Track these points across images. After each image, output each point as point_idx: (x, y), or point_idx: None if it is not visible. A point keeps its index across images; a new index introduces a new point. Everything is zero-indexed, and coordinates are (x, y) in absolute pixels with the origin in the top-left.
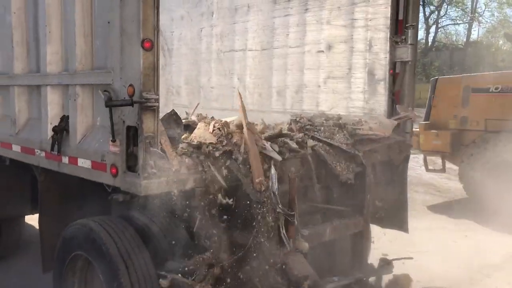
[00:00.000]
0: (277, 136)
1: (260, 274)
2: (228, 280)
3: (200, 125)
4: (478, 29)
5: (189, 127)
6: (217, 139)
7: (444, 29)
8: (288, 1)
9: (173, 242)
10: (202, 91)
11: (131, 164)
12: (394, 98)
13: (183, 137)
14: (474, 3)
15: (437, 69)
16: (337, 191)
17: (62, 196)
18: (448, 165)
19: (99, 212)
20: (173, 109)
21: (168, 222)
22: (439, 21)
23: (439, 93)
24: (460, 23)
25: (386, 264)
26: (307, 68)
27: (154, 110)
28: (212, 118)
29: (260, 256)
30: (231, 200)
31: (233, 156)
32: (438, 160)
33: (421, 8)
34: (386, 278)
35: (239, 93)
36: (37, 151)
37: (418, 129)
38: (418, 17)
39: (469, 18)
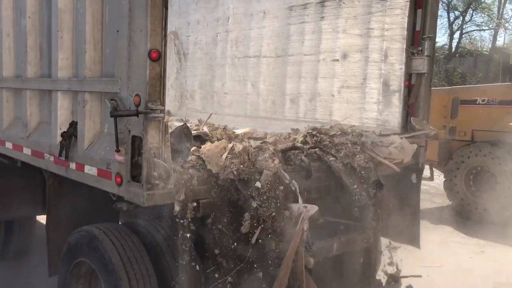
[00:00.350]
0: (290, 149)
1: None
2: None
3: (209, 144)
4: (504, 35)
5: (200, 138)
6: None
7: (469, 35)
8: (304, 9)
9: (177, 253)
10: (216, 97)
11: (136, 174)
12: (409, 110)
13: (192, 149)
14: (501, 9)
15: (460, 76)
16: (346, 205)
17: (70, 200)
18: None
19: (107, 218)
20: (184, 123)
21: (173, 232)
22: (464, 27)
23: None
24: (485, 29)
25: (394, 281)
26: (321, 77)
27: (159, 120)
28: (224, 128)
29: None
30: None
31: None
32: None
33: (445, 13)
34: None
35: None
36: (46, 155)
37: None
38: (435, 28)
39: (495, 24)
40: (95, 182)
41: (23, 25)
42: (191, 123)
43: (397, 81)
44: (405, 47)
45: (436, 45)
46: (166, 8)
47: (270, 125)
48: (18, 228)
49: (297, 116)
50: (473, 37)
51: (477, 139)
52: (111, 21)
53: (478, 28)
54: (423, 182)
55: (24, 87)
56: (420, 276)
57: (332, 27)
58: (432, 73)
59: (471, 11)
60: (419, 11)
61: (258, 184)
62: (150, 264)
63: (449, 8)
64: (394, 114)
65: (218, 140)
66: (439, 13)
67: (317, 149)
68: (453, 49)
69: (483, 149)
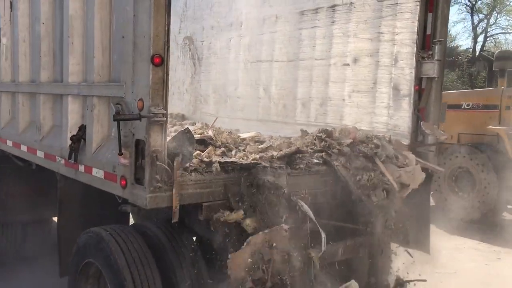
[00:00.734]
0: (295, 153)
1: None
2: None
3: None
4: None
5: (204, 142)
6: None
7: (494, 38)
8: (315, 13)
9: (182, 254)
10: (229, 101)
11: (139, 176)
12: (419, 115)
13: (196, 153)
14: None
15: (483, 80)
16: (352, 209)
17: (80, 202)
18: None
19: (116, 220)
20: (187, 127)
21: (178, 234)
22: (488, 30)
23: None
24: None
25: (400, 285)
26: (332, 81)
27: (162, 124)
28: (230, 133)
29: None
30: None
31: None
32: None
33: (469, 16)
34: None
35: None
36: (58, 158)
37: None
38: (446, 32)
39: None
40: (102, 185)
41: (38, 31)
42: (197, 124)
43: (407, 86)
44: (415, 51)
45: (459, 48)
46: (169, 14)
47: (281, 129)
48: (35, 228)
49: (308, 120)
50: (497, 40)
51: (463, 142)
52: (118, 27)
53: (503, 31)
54: None
55: (38, 92)
56: (425, 280)
57: (342, 31)
58: (443, 78)
59: (496, 14)
60: (430, 15)
61: None
62: (154, 266)
63: (473, 11)
64: (404, 119)
65: (222, 143)
66: (463, 16)
67: (324, 153)
68: (477, 53)
69: (462, 151)
